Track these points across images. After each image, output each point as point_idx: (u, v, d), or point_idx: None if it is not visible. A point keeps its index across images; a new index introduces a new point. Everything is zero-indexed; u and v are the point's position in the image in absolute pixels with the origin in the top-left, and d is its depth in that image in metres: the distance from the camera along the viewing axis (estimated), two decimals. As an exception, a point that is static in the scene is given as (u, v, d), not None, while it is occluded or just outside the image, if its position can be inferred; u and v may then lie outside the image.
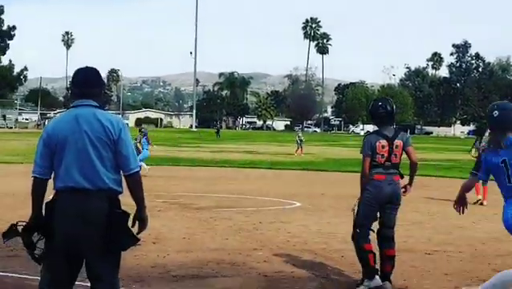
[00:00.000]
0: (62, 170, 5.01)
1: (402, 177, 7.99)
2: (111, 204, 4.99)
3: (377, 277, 7.74)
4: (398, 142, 7.92)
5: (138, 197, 5.10)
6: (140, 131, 27.09)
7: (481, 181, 17.16)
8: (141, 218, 5.16)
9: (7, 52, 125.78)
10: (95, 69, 5.28)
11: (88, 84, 5.19)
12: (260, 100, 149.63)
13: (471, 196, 18.07)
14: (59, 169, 5.03)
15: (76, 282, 5.30)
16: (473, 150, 18.91)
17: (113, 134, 5.01)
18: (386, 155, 7.82)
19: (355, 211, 8.03)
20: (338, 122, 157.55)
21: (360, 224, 7.93)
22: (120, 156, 5.04)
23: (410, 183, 8.11)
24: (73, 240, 4.95)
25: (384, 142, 7.84)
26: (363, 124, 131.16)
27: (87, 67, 5.29)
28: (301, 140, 46.19)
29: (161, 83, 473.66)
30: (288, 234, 11.76)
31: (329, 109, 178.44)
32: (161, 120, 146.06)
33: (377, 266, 7.92)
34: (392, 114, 8.14)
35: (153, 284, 7.87)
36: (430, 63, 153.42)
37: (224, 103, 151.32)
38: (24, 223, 5.15)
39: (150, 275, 8.31)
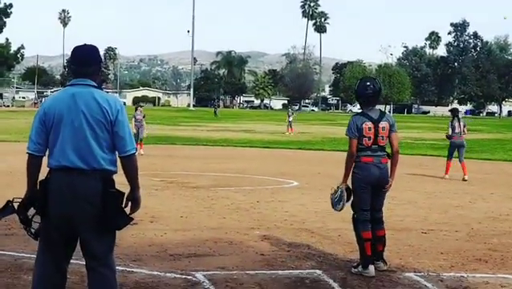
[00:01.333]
0: (56, 148, 5.00)
1: (390, 158, 7.87)
2: (106, 184, 4.98)
3: (371, 267, 7.65)
4: (384, 124, 7.73)
5: (132, 178, 5.10)
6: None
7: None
8: (134, 199, 5.16)
9: (4, 30, 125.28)
10: (94, 46, 5.23)
11: (86, 62, 5.14)
12: (257, 79, 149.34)
13: (454, 175, 18.15)
14: (54, 148, 5.01)
15: (72, 261, 5.33)
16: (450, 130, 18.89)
17: (110, 115, 4.98)
18: (372, 137, 7.66)
19: (336, 197, 7.99)
20: (335, 101, 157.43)
21: (357, 208, 7.85)
22: (117, 138, 5.02)
23: (392, 175, 7.86)
24: (67, 219, 4.96)
25: (369, 124, 7.66)
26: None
27: (85, 44, 5.23)
28: (290, 120, 46.16)
29: (159, 62, 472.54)
30: (285, 213, 11.79)
31: (327, 88, 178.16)
32: (159, 98, 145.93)
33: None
34: (378, 94, 7.97)
35: (150, 263, 7.89)
36: (428, 42, 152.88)
37: (221, 82, 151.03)
38: (20, 200, 5.17)
39: (147, 254, 8.32)
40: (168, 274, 7.40)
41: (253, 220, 11.07)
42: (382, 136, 7.72)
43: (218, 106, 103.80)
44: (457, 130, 18.73)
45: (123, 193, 5.08)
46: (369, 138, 7.67)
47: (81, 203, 4.91)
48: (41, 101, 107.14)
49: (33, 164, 5.05)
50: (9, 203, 5.25)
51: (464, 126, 18.82)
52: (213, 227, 10.35)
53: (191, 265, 7.89)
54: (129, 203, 5.15)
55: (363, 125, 7.68)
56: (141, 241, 9.08)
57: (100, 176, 4.97)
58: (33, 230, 5.17)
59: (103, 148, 4.99)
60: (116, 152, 5.09)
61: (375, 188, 7.77)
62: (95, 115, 4.96)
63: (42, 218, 5.08)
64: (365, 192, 7.75)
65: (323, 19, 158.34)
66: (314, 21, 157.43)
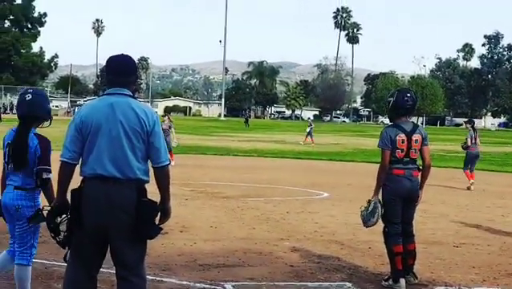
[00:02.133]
0: (92, 157, 5.00)
1: (420, 170, 7.78)
2: (139, 193, 5.01)
3: (402, 281, 7.56)
4: (417, 136, 7.65)
5: (164, 189, 5.13)
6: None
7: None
8: (165, 209, 5.18)
9: (38, 39, 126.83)
10: (131, 57, 5.27)
11: (123, 72, 5.18)
12: (289, 90, 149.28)
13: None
14: (89, 156, 5.01)
15: (103, 269, 5.36)
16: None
17: (147, 125, 5.01)
18: (405, 150, 7.58)
19: (369, 210, 7.82)
20: (367, 112, 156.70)
21: (388, 221, 7.75)
22: (152, 148, 5.04)
23: (421, 187, 7.77)
24: (101, 228, 4.97)
25: (403, 136, 7.58)
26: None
27: (122, 54, 5.26)
28: (308, 131, 46.32)
29: (190, 72, 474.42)
30: (315, 224, 11.76)
31: (358, 99, 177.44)
32: (190, 108, 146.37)
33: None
34: (415, 106, 7.93)
35: (180, 272, 7.91)
36: (461, 54, 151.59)
37: (253, 93, 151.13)
38: (49, 208, 5.21)
39: (177, 264, 8.35)
40: (197, 285, 7.41)
41: (282, 231, 11.05)
42: (415, 149, 7.65)
43: (249, 116, 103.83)
44: (473, 141, 19.10)
45: (156, 203, 5.11)
46: (402, 150, 7.60)
47: (116, 212, 4.93)
48: (74, 110, 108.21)
49: (66, 171, 5.05)
50: (39, 211, 5.32)
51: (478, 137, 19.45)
52: (242, 237, 10.35)
53: (220, 275, 7.89)
54: (158, 213, 5.16)
55: (397, 137, 7.60)
56: (171, 250, 9.11)
57: (135, 185, 5.00)
58: (59, 239, 5.19)
59: (138, 157, 5.01)
60: (149, 163, 5.11)
61: (405, 201, 7.69)
62: (132, 125, 4.99)
63: (74, 227, 5.07)
64: (396, 205, 7.66)
65: (355, 30, 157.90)
66: (346, 31, 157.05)
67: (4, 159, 5.94)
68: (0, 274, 7.40)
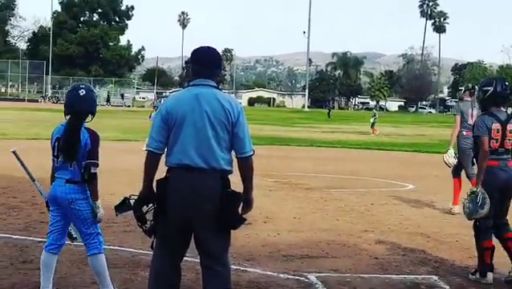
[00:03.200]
0: (177, 147, 5.06)
1: None
2: (223, 183, 5.05)
3: (489, 275, 7.37)
4: (511, 126, 7.45)
5: (247, 179, 5.19)
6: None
7: None
8: (248, 199, 5.23)
9: (125, 32, 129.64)
10: (215, 49, 5.31)
11: (209, 64, 5.23)
12: (373, 80, 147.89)
13: None
14: (175, 146, 5.08)
15: (188, 258, 5.42)
16: None
17: (232, 116, 5.06)
18: (500, 140, 7.36)
19: (478, 201, 7.23)
20: (454, 103, 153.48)
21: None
22: (237, 139, 5.09)
23: None
24: (186, 218, 5.03)
25: (498, 126, 7.37)
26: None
27: (208, 46, 5.31)
28: (372, 121, 46.61)
29: (274, 63, 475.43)
30: (400, 216, 11.60)
31: (445, 90, 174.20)
32: (274, 99, 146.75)
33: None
34: (510, 95, 7.70)
35: (263, 263, 7.94)
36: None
37: (336, 84, 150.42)
38: (136, 197, 5.29)
39: (260, 254, 8.38)
40: (280, 275, 7.42)
41: (366, 222, 10.95)
42: (509, 139, 7.41)
43: (333, 107, 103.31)
44: None
45: (240, 194, 5.14)
46: (496, 140, 7.38)
47: (202, 202, 4.98)
48: (160, 102, 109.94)
49: (152, 161, 5.13)
50: (126, 200, 5.40)
51: None
52: (325, 229, 10.30)
53: (304, 266, 7.88)
54: (241, 203, 5.19)
55: (493, 126, 7.39)
56: (255, 241, 9.15)
57: (219, 176, 5.04)
58: (146, 228, 5.26)
59: (222, 148, 5.06)
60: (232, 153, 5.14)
61: (501, 193, 7.42)
62: (217, 115, 5.03)
63: (159, 216, 5.14)
64: (491, 198, 7.29)
65: (442, 19, 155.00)
66: (432, 21, 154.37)
67: (53, 153, 6.03)
68: (87, 263, 7.61)
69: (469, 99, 12.75)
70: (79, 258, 7.76)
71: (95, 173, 5.82)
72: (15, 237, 8.80)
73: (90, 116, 6.04)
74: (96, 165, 5.84)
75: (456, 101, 12.76)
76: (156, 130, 5.13)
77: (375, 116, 48.13)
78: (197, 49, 5.29)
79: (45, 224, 9.62)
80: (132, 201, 5.34)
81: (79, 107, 5.99)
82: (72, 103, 6.03)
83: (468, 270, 7.83)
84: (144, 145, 5.38)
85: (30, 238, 8.72)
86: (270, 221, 10.72)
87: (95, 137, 5.93)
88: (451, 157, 12.87)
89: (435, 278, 7.58)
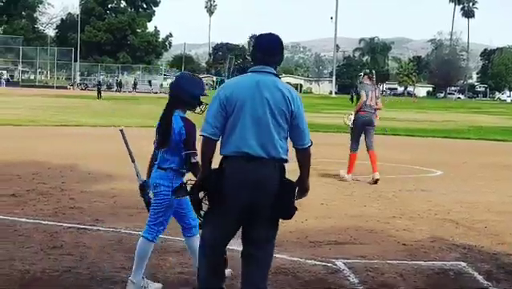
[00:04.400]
0: (236, 135, 4.98)
1: None
2: (282, 173, 5.05)
3: None
4: None
5: (305, 168, 5.21)
6: None
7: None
8: (304, 187, 5.26)
9: (153, 19, 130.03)
10: (279, 37, 5.24)
11: (272, 51, 5.16)
12: (401, 66, 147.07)
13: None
14: (232, 134, 5.00)
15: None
16: None
17: (293, 106, 5.03)
18: None
19: None
20: (483, 89, 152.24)
21: None
22: (297, 130, 5.08)
23: None
24: (244, 207, 5.00)
25: None
26: (511, 90, 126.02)
27: (271, 33, 5.26)
28: None
29: (301, 49, 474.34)
30: (429, 203, 11.54)
31: (474, 75, 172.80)
32: (301, 85, 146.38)
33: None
34: None
35: (291, 249, 7.94)
36: None
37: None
38: (193, 182, 5.27)
39: (288, 240, 8.37)
40: (308, 261, 7.43)
41: (394, 209, 10.91)
42: None
43: (357, 93, 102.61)
44: None
45: (295, 183, 5.16)
46: None
47: (260, 192, 4.95)
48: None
49: (208, 146, 5.04)
50: (182, 184, 5.42)
51: None
52: (353, 215, 10.28)
53: (331, 252, 7.88)
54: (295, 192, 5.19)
55: None
56: (282, 227, 9.04)
57: (278, 165, 5.03)
58: (202, 212, 5.24)
59: (281, 137, 5.02)
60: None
61: None
62: (278, 104, 4.97)
63: (215, 204, 5.07)
64: None
65: (471, 4, 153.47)
66: (461, 5, 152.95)
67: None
68: (116, 248, 7.67)
69: (369, 82, 14.64)
70: (108, 243, 7.83)
71: (196, 162, 5.71)
72: (45, 222, 8.89)
73: (191, 105, 5.97)
74: (195, 154, 5.76)
75: (361, 83, 15.22)
76: (212, 115, 5.02)
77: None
78: (260, 36, 5.26)
79: (74, 209, 9.76)
80: (188, 186, 5.31)
81: (170, 93, 6.06)
82: (169, 88, 6.13)
83: (497, 256, 7.78)
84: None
85: (60, 224, 8.81)
86: (298, 207, 10.68)
87: (189, 127, 5.86)
88: (349, 121, 15.01)
89: (463, 264, 7.53)
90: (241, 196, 4.95)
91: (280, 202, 5.01)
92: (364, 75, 15.23)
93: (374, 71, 14.78)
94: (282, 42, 5.25)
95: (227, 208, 5.02)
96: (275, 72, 5.13)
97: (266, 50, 5.14)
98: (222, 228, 5.13)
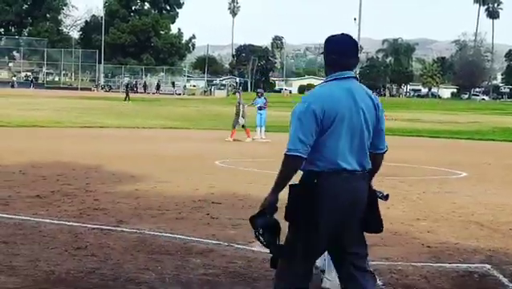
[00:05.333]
0: (333, 150, 4.53)
1: None
2: (369, 184, 4.78)
3: None
4: None
5: (374, 173, 4.87)
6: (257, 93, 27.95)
7: None
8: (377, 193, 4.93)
9: (176, 21, 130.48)
10: (352, 37, 4.81)
11: (351, 53, 4.73)
12: (425, 67, 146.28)
13: None
14: (329, 149, 4.52)
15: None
16: None
17: (379, 112, 4.73)
18: None
19: None
20: (508, 90, 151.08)
21: None
22: (380, 134, 4.76)
23: None
24: (338, 226, 4.59)
25: None
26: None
27: (346, 34, 4.80)
28: None
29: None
30: (453, 205, 11.46)
31: (498, 76, 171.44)
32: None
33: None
34: None
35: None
36: None
37: (387, 71, 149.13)
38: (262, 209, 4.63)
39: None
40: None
41: (419, 211, 10.85)
42: None
43: (384, 95, 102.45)
44: None
45: (378, 192, 4.91)
46: None
47: (356, 208, 4.61)
48: (211, 90, 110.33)
49: (296, 168, 4.50)
50: (264, 211, 4.65)
51: None
52: (377, 217, 10.21)
53: (355, 254, 7.82)
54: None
55: None
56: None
57: (367, 177, 4.72)
58: (276, 243, 4.61)
59: (368, 146, 4.71)
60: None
61: None
62: (370, 113, 4.65)
63: (302, 226, 4.54)
64: None
65: (495, 4, 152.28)
66: (486, 6, 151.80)
67: None
68: (140, 249, 7.70)
69: None
70: (132, 244, 7.86)
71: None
72: (69, 223, 8.94)
73: None
74: None
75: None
76: (306, 132, 4.46)
77: None
78: (337, 38, 4.76)
79: (98, 211, 9.81)
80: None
81: None
82: None
83: (522, 259, 7.71)
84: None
85: (84, 225, 8.85)
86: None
87: None
88: None
89: (488, 267, 7.47)
90: (337, 213, 4.52)
91: (372, 215, 4.73)
92: None
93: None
94: (357, 43, 4.88)
95: (318, 228, 4.52)
96: (356, 76, 4.79)
97: (344, 53, 4.70)
98: (310, 256, 4.68)
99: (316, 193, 4.47)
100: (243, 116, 24.97)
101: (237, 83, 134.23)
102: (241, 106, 25.26)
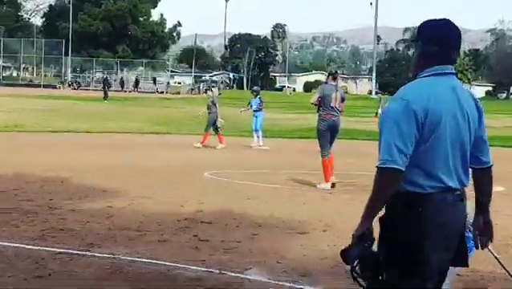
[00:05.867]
0: (437, 164, 4.27)
1: None
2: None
3: None
4: None
5: (488, 196, 4.67)
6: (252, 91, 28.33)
7: None
8: (489, 222, 4.73)
9: (158, 5, 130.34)
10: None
11: (455, 44, 4.49)
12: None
13: None
14: (429, 162, 4.26)
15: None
16: None
17: (483, 116, 4.54)
18: None
19: None
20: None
21: None
22: (482, 143, 4.53)
23: None
24: (445, 259, 4.41)
25: None
26: None
27: (447, 20, 4.55)
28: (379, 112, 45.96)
29: (335, 40, 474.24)
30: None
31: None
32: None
33: None
34: None
35: (322, 279, 7.89)
36: None
37: (410, 65, 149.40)
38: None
39: (319, 269, 8.33)
40: (344, 294, 7.37)
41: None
42: None
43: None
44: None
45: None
46: None
47: (457, 235, 4.41)
48: (199, 87, 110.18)
49: (393, 183, 4.22)
50: (357, 241, 4.54)
51: None
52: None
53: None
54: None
55: None
56: (312, 253, 9.11)
57: (465, 195, 4.48)
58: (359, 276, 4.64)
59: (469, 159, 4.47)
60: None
61: None
62: (474, 118, 4.43)
63: (408, 263, 4.28)
64: None
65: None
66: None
67: None
68: (115, 278, 7.68)
69: (333, 82, 16.16)
70: (104, 272, 7.83)
71: None
72: (29, 247, 8.92)
73: None
74: None
75: (325, 84, 16.82)
76: (405, 138, 4.17)
77: (380, 101, 47.87)
78: (439, 24, 4.53)
79: (64, 232, 9.78)
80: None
81: None
82: None
83: None
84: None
85: (47, 249, 8.83)
86: (330, 229, 10.68)
87: None
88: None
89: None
90: (444, 246, 4.30)
91: (463, 245, 4.50)
92: (329, 75, 17.20)
93: (338, 71, 17.00)
94: (460, 32, 4.55)
95: (426, 264, 4.27)
96: (456, 73, 4.56)
97: (446, 43, 4.43)
98: None
99: (423, 228, 4.22)
100: (221, 118, 25.25)
101: (230, 79, 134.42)
102: (215, 106, 25.45)
